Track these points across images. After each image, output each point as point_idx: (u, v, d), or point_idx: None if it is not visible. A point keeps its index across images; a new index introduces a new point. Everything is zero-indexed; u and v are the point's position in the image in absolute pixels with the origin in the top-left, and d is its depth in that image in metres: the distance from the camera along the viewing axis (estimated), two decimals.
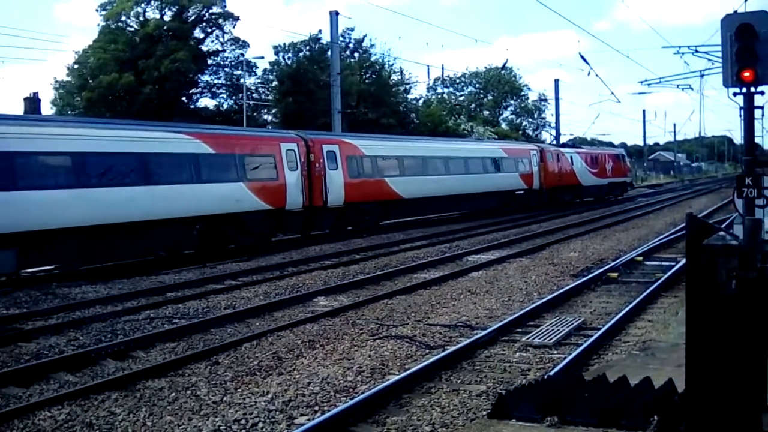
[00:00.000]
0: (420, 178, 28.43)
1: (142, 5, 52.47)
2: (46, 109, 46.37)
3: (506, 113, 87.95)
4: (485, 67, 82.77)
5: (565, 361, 8.41)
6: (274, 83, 57.36)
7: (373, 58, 60.02)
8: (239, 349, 9.66)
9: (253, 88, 56.86)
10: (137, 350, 9.85)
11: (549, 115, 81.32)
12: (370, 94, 55.06)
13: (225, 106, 56.51)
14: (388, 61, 61.41)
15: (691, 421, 4.20)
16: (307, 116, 47.93)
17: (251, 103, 53.26)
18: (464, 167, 31.46)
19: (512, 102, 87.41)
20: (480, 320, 11.25)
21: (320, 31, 54.82)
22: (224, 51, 55.85)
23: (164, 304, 12.94)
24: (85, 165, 16.49)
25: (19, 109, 38.15)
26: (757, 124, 22.27)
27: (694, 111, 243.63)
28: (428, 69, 63.62)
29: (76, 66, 51.94)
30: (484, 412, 6.60)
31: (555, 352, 9.26)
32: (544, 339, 9.76)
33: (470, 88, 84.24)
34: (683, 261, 13.96)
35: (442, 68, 62.47)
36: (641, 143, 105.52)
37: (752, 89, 10.38)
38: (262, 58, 72.64)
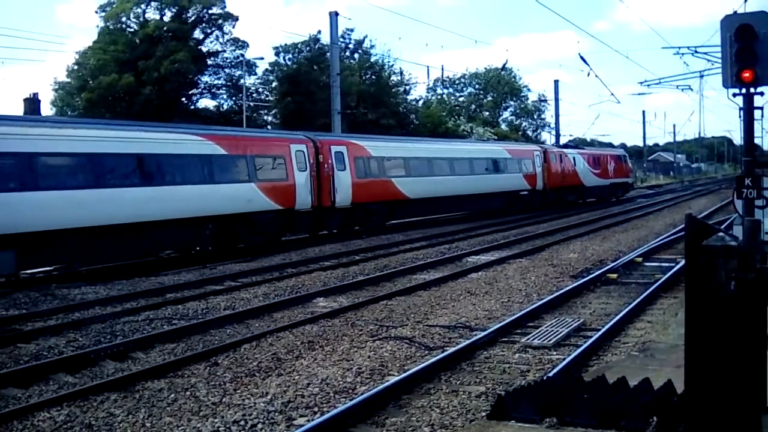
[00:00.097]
0: (426, 178, 28.57)
1: (142, 6, 52.54)
2: (46, 109, 46.49)
3: (506, 114, 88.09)
4: (485, 68, 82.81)
5: (565, 362, 8.41)
6: (274, 84, 57.41)
7: (372, 59, 60.15)
8: (238, 350, 9.66)
9: (252, 88, 56.93)
10: (136, 351, 9.86)
11: (549, 115, 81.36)
12: (369, 94, 55.09)
13: (225, 106, 56.59)
14: (388, 61, 61.62)
15: (690, 422, 4.19)
16: (306, 117, 47.96)
17: (251, 103, 53.29)
18: (469, 168, 31.58)
19: (512, 103, 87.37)
20: (479, 321, 11.25)
21: (320, 31, 55.03)
22: (224, 51, 56.00)
23: (164, 305, 12.94)
24: (103, 166, 16.95)
25: (18, 110, 38.20)
26: (757, 125, 22.31)
27: (693, 112, 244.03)
28: (428, 70, 64.57)
29: (75, 67, 51.99)
30: (484, 413, 6.59)
31: (554, 353, 9.26)
32: (544, 340, 9.76)
33: (470, 89, 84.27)
34: (682, 262, 13.92)
35: (442, 69, 62.86)
36: (641, 144, 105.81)
37: (752, 90, 10.39)
38: (262, 59, 72.82)
